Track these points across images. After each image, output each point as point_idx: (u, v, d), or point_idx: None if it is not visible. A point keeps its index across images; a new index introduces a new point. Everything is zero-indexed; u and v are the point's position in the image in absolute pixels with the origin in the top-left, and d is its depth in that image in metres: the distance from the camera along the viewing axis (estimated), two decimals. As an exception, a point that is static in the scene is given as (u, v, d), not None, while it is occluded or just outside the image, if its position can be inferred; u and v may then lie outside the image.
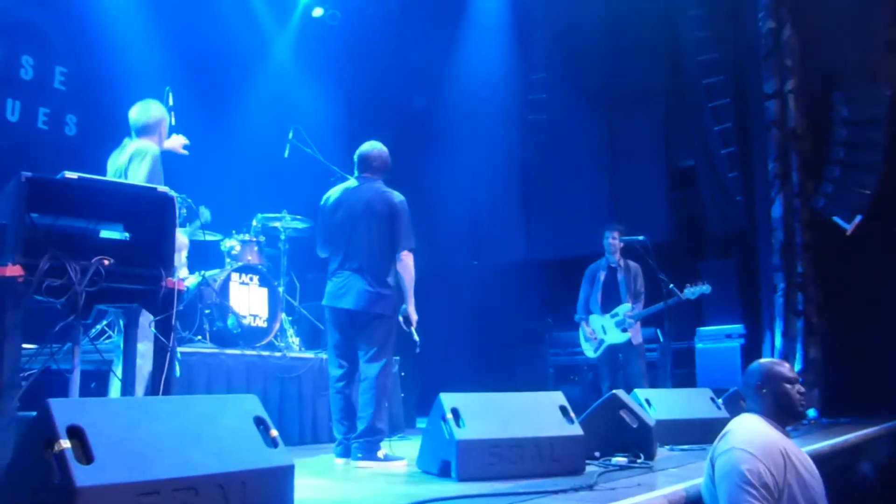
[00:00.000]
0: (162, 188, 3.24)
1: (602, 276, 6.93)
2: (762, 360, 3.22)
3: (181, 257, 5.40)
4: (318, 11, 9.35)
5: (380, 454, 4.45)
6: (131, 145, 4.25)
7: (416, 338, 4.68)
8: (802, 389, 3.07)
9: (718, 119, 8.51)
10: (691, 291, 6.40)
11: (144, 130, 4.33)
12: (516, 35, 9.93)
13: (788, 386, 3.02)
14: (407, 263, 4.61)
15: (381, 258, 4.61)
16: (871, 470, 5.32)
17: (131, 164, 4.11)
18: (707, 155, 8.65)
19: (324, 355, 6.12)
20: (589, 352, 6.94)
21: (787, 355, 7.42)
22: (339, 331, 4.66)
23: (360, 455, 4.44)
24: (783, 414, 3.03)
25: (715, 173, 8.55)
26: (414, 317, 4.64)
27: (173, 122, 4.71)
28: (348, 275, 4.62)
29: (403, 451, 4.93)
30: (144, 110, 4.37)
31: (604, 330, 6.77)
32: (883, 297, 7.24)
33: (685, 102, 8.94)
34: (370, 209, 4.64)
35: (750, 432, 2.92)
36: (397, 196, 4.70)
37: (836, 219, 7.31)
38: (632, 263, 6.84)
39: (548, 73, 9.83)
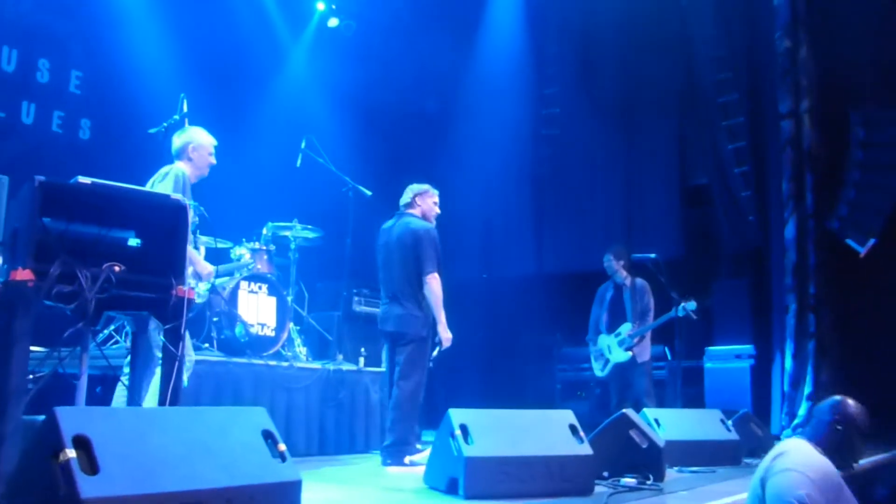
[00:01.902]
0: (175, 195, 3.22)
1: (609, 295, 6.96)
2: (851, 400, 3.10)
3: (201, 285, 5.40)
4: (333, 22, 9.39)
5: (406, 460, 4.99)
6: (164, 168, 4.45)
7: (434, 353, 5.20)
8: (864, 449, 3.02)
9: (733, 137, 8.47)
10: (680, 308, 6.39)
11: (177, 155, 4.58)
12: (530, 49, 9.92)
13: (861, 439, 2.97)
14: (431, 286, 5.14)
15: (410, 285, 5.21)
16: (885, 496, 5.24)
17: (155, 184, 4.30)
18: (721, 173, 8.60)
19: (331, 366, 6.12)
20: (597, 371, 6.98)
21: (798, 377, 7.33)
22: (387, 349, 5.42)
23: (389, 461, 5.03)
24: (839, 457, 2.94)
25: (728, 192, 8.50)
26: (446, 335, 5.14)
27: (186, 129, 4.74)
28: (388, 302, 5.30)
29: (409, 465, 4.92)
30: (177, 136, 4.63)
31: (609, 349, 6.80)
32: (895, 321, 7.16)
33: (700, 120, 8.90)
34: (400, 242, 5.30)
35: (809, 457, 2.84)
36: (422, 226, 5.31)
37: (850, 241, 7.25)
38: (639, 281, 6.83)
39: (561, 87, 9.82)
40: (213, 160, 4.66)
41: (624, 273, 6.88)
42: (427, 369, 5.22)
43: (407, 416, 5.05)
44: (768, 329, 7.93)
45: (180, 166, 4.45)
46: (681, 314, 6.44)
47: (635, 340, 6.58)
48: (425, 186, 5.54)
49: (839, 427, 2.94)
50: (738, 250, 8.62)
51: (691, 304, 6.40)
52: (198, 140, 4.59)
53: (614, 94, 9.32)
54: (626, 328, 6.68)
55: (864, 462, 5.26)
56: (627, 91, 9.20)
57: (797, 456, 2.82)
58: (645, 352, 6.66)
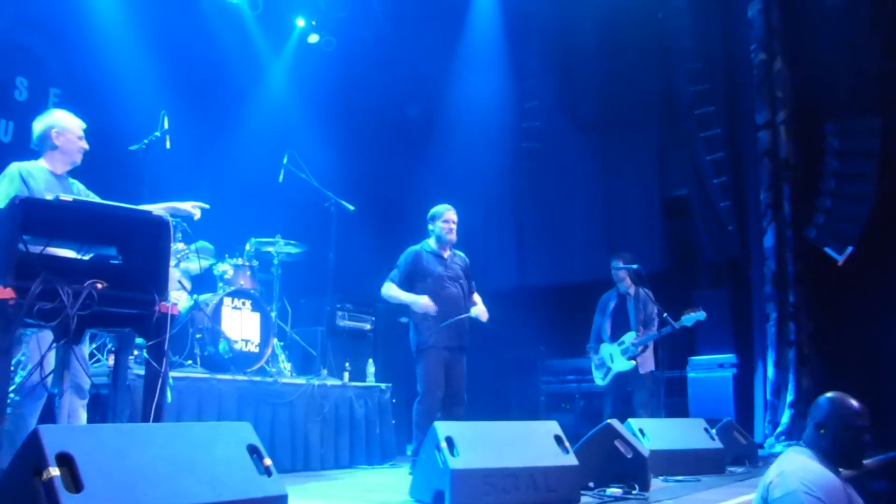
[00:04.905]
0: (158, 212, 3.21)
1: (612, 304, 6.91)
2: (832, 396, 2.89)
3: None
4: (313, 38, 9.41)
5: None
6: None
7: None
8: (868, 439, 2.81)
9: (711, 149, 8.56)
10: (687, 318, 6.35)
11: (38, 144, 3.99)
12: (511, 62, 9.98)
13: (851, 433, 2.77)
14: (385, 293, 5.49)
15: None
16: (884, 490, 5.25)
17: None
18: (700, 184, 8.68)
19: (315, 381, 6.09)
20: (598, 379, 6.88)
21: (780, 385, 7.40)
22: None
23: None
24: (838, 458, 2.79)
25: (707, 202, 8.58)
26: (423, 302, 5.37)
27: (168, 146, 4.71)
28: None
29: (394, 479, 4.90)
30: (36, 122, 3.99)
31: (611, 358, 6.73)
32: (874, 327, 7.23)
33: (678, 132, 8.98)
34: None
35: (809, 472, 2.68)
36: None
37: (828, 249, 7.33)
38: (642, 291, 6.78)
39: (542, 100, 9.87)
40: (85, 144, 4.05)
41: (629, 282, 6.86)
42: (429, 381, 5.23)
43: (415, 426, 5.20)
44: (750, 338, 7.98)
45: (13, 165, 3.82)
46: (688, 325, 6.41)
47: (639, 349, 6.56)
48: (433, 210, 5.63)
49: (822, 430, 2.80)
50: (718, 260, 8.69)
51: (701, 314, 6.34)
52: (61, 123, 3.98)
53: (594, 106, 9.39)
54: (629, 337, 6.61)
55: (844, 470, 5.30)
56: (607, 104, 9.28)
57: (798, 473, 2.67)
58: (648, 362, 6.58)
